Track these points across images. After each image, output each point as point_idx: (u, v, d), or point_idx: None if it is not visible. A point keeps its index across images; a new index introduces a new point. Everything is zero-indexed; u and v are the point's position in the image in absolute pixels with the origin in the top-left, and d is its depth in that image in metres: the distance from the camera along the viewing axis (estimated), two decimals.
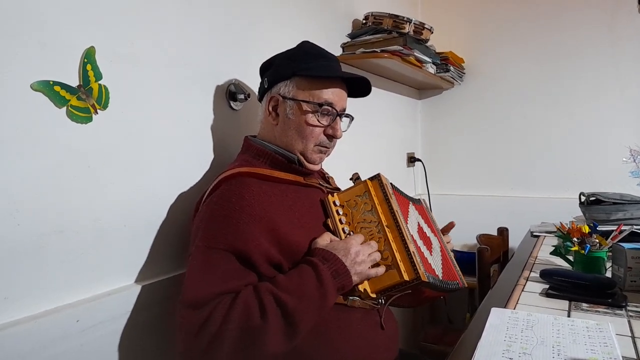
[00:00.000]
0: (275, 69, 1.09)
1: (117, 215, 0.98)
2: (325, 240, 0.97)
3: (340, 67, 1.12)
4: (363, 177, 1.12)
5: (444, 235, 1.24)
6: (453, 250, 1.23)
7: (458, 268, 1.17)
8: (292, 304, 0.84)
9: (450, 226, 1.25)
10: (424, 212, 1.22)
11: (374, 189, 1.06)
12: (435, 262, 1.08)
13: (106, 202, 0.96)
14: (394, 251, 0.97)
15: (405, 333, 2.45)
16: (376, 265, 0.96)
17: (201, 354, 0.81)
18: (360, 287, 0.95)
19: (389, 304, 1.08)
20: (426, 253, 1.06)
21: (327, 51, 1.12)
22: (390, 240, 0.98)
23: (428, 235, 1.14)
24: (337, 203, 1.07)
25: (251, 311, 0.82)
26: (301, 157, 1.07)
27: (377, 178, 1.08)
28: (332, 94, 1.06)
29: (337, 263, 0.90)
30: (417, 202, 1.21)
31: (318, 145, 1.08)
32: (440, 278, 1.04)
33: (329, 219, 1.04)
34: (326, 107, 1.05)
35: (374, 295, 0.97)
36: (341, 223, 1.03)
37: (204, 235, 0.91)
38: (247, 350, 0.81)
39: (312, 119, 1.05)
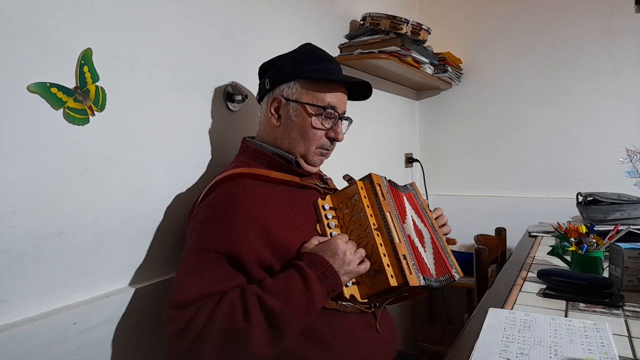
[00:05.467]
0: (278, 71, 1.08)
1: (115, 217, 0.98)
2: (313, 243, 0.96)
3: (341, 70, 1.12)
4: (359, 178, 1.11)
5: (436, 218, 1.21)
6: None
7: (451, 257, 1.14)
8: (277, 308, 0.84)
9: (436, 212, 1.23)
10: (413, 200, 1.19)
11: (365, 191, 1.04)
12: (428, 257, 1.07)
13: (104, 204, 0.96)
14: (381, 255, 0.95)
15: (404, 334, 2.46)
16: (363, 261, 0.95)
17: (184, 354, 0.82)
18: (347, 293, 0.94)
19: (386, 305, 1.08)
20: (422, 251, 1.05)
21: (328, 54, 1.12)
22: (379, 244, 0.96)
23: (420, 227, 1.13)
24: (327, 207, 1.06)
25: (235, 313, 0.83)
26: (301, 160, 1.08)
27: (368, 179, 1.07)
28: (335, 97, 1.07)
29: (324, 266, 0.90)
30: (406, 191, 1.19)
31: (320, 148, 1.08)
32: (434, 276, 1.04)
33: (318, 224, 1.04)
34: (329, 110, 1.05)
35: (364, 300, 0.96)
36: (330, 227, 1.02)
37: (196, 237, 0.91)
38: (230, 352, 0.82)
39: (315, 121, 1.05)
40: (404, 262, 0.94)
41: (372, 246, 0.97)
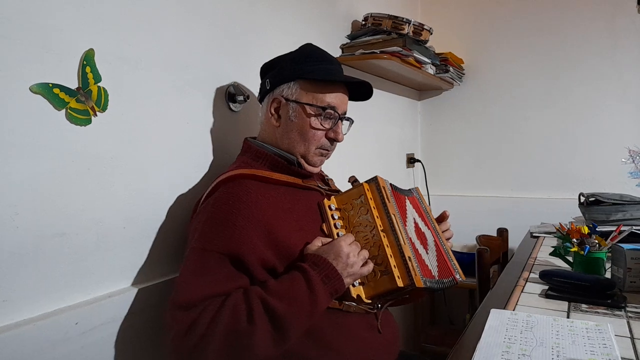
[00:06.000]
0: (279, 71, 1.08)
1: (117, 217, 0.98)
2: (316, 245, 0.96)
3: (342, 70, 1.12)
4: (362, 179, 1.12)
5: (440, 224, 1.21)
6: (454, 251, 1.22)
7: (454, 260, 1.14)
8: (280, 310, 0.84)
9: (443, 216, 1.23)
10: (417, 204, 1.19)
11: (371, 193, 1.05)
12: (431, 260, 1.07)
13: (106, 204, 0.96)
14: (389, 256, 0.96)
15: (406, 334, 2.45)
16: (366, 262, 0.96)
17: (188, 355, 0.82)
18: (354, 293, 0.94)
19: (387, 307, 1.08)
20: (423, 253, 1.05)
21: (329, 54, 1.12)
22: (385, 245, 0.97)
23: (423, 230, 1.13)
24: (333, 207, 1.06)
25: (239, 315, 0.83)
26: (302, 160, 1.08)
27: (374, 181, 1.07)
28: (335, 98, 1.07)
29: (327, 268, 0.90)
30: (409, 195, 1.19)
31: (320, 148, 1.08)
32: (436, 278, 1.04)
33: (324, 224, 1.04)
34: (329, 110, 1.05)
35: (368, 301, 0.96)
36: (336, 227, 1.02)
37: (199, 237, 0.91)
38: (234, 353, 0.82)
39: (315, 122, 1.05)
40: (409, 263, 0.95)
41: (379, 247, 0.97)
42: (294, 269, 0.91)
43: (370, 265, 0.96)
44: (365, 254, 0.96)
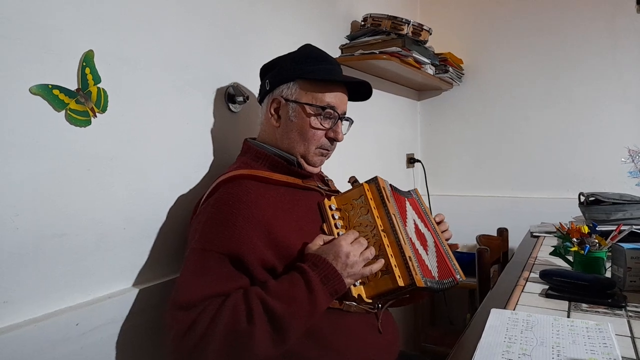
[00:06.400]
0: (278, 71, 1.09)
1: (117, 218, 0.98)
2: (316, 244, 0.96)
3: (341, 70, 1.12)
4: (362, 180, 1.12)
5: (439, 225, 1.21)
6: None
7: (454, 261, 1.14)
8: (280, 310, 0.84)
9: (439, 219, 1.23)
10: (417, 205, 1.20)
11: (371, 193, 1.05)
12: (431, 261, 1.07)
13: (106, 205, 0.96)
14: (389, 256, 0.96)
15: (406, 334, 2.45)
16: (370, 262, 0.95)
17: (188, 355, 0.82)
18: (354, 293, 0.94)
19: (388, 307, 1.08)
20: (423, 254, 1.06)
21: (329, 55, 1.12)
22: (386, 245, 0.97)
23: (422, 231, 1.13)
24: (333, 207, 1.06)
25: (239, 315, 0.83)
26: (302, 160, 1.08)
27: (374, 181, 1.07)
28: (335, 98, 1.07)
29: (327, 268, 0.90)
30: (409, 196, 1.19)
31: (320, 148, 1.08)
32: (436, 278, 1.04)
33: (324, 224, 1.04)
34: (329, 110, 1.05)
35: (369, 301, 0.96)
36: (337, 227, 1.02)
37: (200, 238, 0.91)
38: (233, 353, 0.82)
39: (314, 121, 1.05)
40: (410, 263, 0.95)
41: (379, 247, 0.97)
42: (294, 269, 0.91)
43: (376, 266, 0.94)
44: (368, 254, 0.94)
